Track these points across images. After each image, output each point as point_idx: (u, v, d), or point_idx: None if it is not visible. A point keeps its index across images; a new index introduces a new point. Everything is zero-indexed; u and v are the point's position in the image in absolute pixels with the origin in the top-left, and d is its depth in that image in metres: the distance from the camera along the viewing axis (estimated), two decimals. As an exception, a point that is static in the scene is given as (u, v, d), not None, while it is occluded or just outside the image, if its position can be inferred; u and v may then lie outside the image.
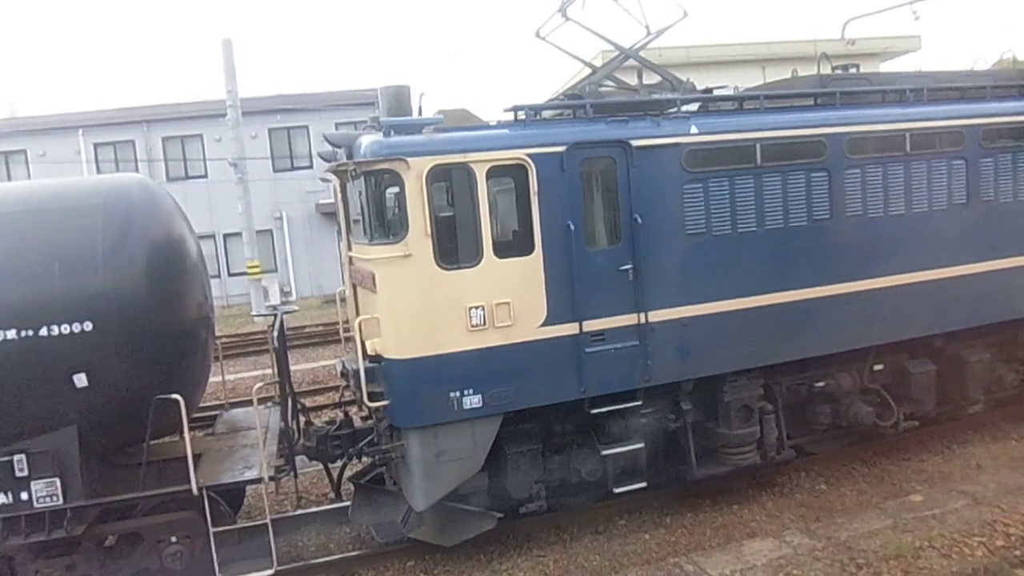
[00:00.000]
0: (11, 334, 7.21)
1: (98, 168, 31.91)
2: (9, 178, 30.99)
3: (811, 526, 8.08)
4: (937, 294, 9.17)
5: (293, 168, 33.36)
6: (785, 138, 8.44)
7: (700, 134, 8.08)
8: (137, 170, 29.44)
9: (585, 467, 8.14)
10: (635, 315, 7.84)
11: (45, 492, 7.37)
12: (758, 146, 8.28)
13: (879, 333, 9.01)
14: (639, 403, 8.03)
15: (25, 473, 7.36)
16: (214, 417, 10.54)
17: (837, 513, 8.51)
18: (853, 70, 10.35)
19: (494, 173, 7.42)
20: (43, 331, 7.26)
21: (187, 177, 32.38)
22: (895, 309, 8.99)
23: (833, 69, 10.23)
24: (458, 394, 7.34)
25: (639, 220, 7.79)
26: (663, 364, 7.98)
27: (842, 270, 8.71)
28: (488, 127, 7.82)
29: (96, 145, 32.33)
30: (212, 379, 9.60)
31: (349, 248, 8.70)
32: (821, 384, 9.07)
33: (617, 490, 8.17)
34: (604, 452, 8.01)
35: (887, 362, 9.43)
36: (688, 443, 8.55)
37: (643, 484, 8.20)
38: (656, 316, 7.89)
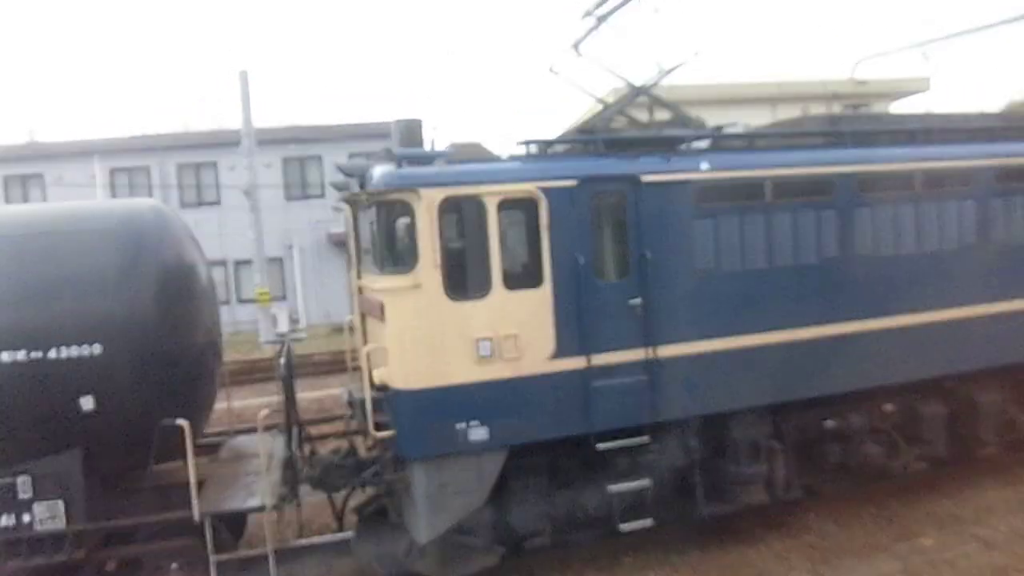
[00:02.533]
0: (20, 355, 7.26)
1: (113, 193, 32.26)
2: (26, 201, 31.37)
3: (820, 568, 7.97)
4: (948, 335, 9.11)
5: (305, 197, 33.63)
6: (795, 176, 8.47)
7: (710, 171, 8.12)
8: (151, 196, 29.74)
9: (591, 503, 8.05)
10: (643, 350, 7.82)
11: (47, 515, 7.35)
12: (768, 183, 8.32)
13: (889, 373, 8.94)
14: (646, 439, 7.97)
15: (28, 495, 7.36)
16: (219, 443, 10.51)
17: (846, 555, 8.38)
18: (863, 110, 10.40)
19: (505, 206, 7.46)
20: (52, 353, 7.30)
21: (200, 204, 32.68)
22: (905, 349, 8.93)
23: (843, 108, 10.30)
24: (464, 426, 7.31)
25: (648, 255, 7.80)
26: (671, 400, 7.93)
27: (851, 309, 8.68)
28: (500, 160, 7.89)
29: (112, 170, 32.71)
30: (218, 405, 9.60)
31: (359, 277, 8.74)
32: (830, 423, 8.99)
33: (623, 527, 8.07)
34: (610, 488, 7.93)
35: (898, 402, 9.35)
36: (695, 480, 8.47)
37: (649, 522, 8.10)
38: (665, 351, 7.87)
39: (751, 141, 8.89)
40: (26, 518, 7.35)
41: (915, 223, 9.01)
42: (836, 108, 10.20)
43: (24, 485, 7.35)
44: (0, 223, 8.16)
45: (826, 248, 8.58)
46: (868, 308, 8.76)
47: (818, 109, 10.45)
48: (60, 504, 7.36)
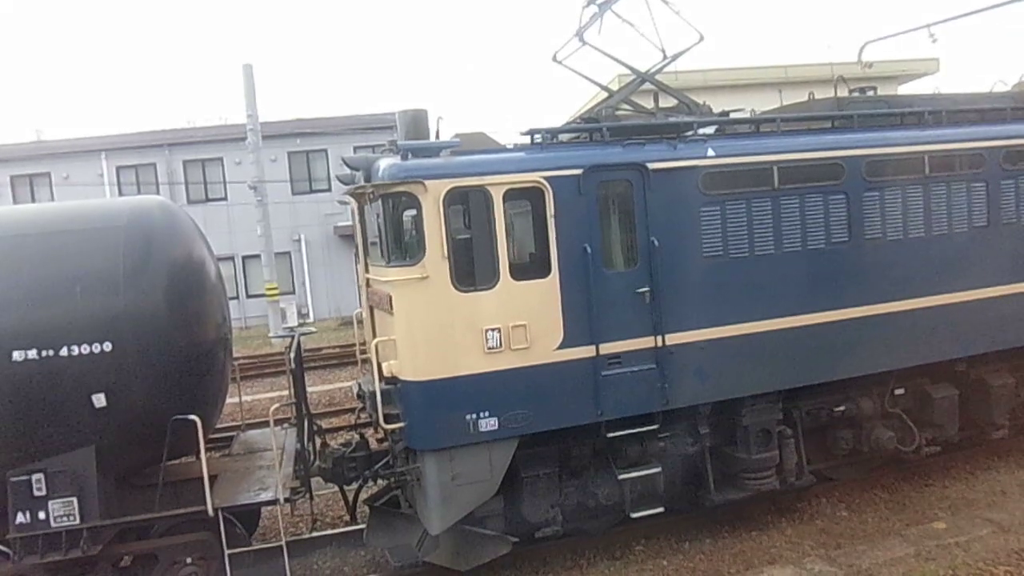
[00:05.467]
0: (32, 354, 7.30)
1: (120, 191, 32.37)
2: (34, 200, 31.49)
3: (832, 553, 7.95)
4: (959, 317, 9.06)
5: (312, 191, 33.67)
6: (803, 161, 8.41)
7: (717, 157, 8.07)
8: (159, 193, 29.82)
9: (602, 491, 8.06)
10: (652, 338, 7.80)
11: (62, 512, 7.41)
12: (775, 169, 8.27)
13: (900, 357, 8.90)
14: (656, 427, 7.96)
15: (43, 492, 7.41)
16: (231, 438, 10.57)
17: (858, 540, 8.37)
18: (870, 93, 10.30)
19: (511, 196, 7.44)
20: (63, 351, 7.34)
21: (207, 200, 32.76)
22: (916, 333, 8.89)
23: (850, 92, 10.20)
24: (474, 416, 7.31)
25: (656, 243, 7.78)
26: (680, 387, 7.92)
27: (861, 293, 8.64)
28: (505, 150, 7.87)
29: (118, 168, 32.82)
30: (229, 400, 9.65)
31: (367, 270, 8.75)
32: (841, 408, 8.97)
33: (634, 515, 8.08)
34: (621, 476, 7.93)
35: (908, 386, 9.31)
36: (706, 467, 8.46)
37: (661, 509, 8.11)
38: (673, 339, 7.85)
39: (758, 126, 8.83)
40: (41, 515, 7.40)
41: (925, 206, 8.94)
42: (843, 91, 10.08)
43: (39, 482, 7.41)
44: (8, 223, 8.20)
45: (835, 233, 8.52)
46: (878, 292, 8.71)
47: (825, 93, 10.35)
48: (74, 501, 7.41)
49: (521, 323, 7.38)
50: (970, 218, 9.18)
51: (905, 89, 30.06)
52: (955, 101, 9.75)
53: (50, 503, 7.41)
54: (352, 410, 13.58)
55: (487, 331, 7.31)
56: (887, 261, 8.76)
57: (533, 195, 7.51)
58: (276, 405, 8.62)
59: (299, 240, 33.65)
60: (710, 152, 8.07)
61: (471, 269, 7.34)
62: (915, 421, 9.33)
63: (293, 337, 9.06)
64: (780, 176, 8.28)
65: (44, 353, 7.31)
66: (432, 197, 7.12)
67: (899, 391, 9.25)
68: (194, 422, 7.52)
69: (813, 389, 8.72)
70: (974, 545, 7.65)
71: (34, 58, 78.93)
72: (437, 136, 7.93)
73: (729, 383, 8.17)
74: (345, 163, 8.32)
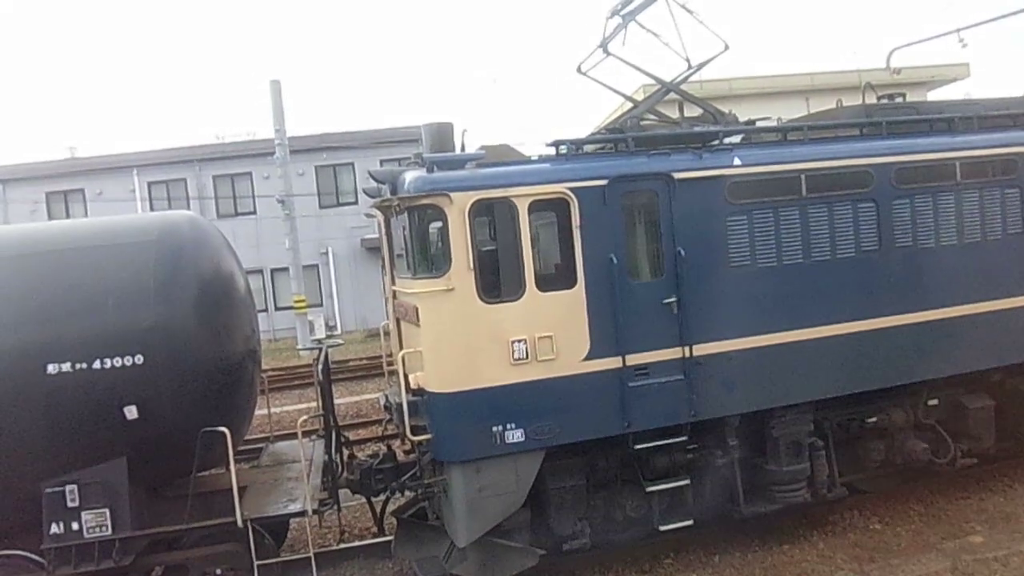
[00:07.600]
0: (66, 367, 7.43)
1: (151, 206, 32.91)
2: (68, 215, 32.14)
3: (865, 567, 7.82)
4: (993, 326, 8.89)
5: (339, 204, 33.98)
6: (830, 169, 8.33)
7: (743, 166, 8.02)
8: (188, 207, 30.26)
9: (629, 503, 8.00)
10: (679, 349, 7.74)
11: (95, 523, 7.51)
12: (803, 177, 8.19)
13: (933, 367, 8.74)
14: (684, 438, 7.89)
15: (76, 504, 7.52)
16: (259, 450, 10.66)
17: (893, 554, 8.21)
18: (899, 99, 10.18)
19: (536, 207, 7.45)
20: (96, 364, 7.46)
21: (236, 214, 33.21)
22: (949, 342, 8.72)
23: (878, 99, 10.09)
24: (501, 428, 7.30)
25: (682, 253, 7.73)
26: (708, 399, 7.84)
27: (892, 302, 8.51)
28: (530, 162, 7.87)
29: (150, 184, 33.41)
30: (258, 412, 9.72)
31: (393, 282, 8.79)
32: (873, 420, 8.82)
33: (663, 527, 8.00)
34: (649, 488, 7.87)
35: (942, 397, 9.14)
36: (736, 480, 8.36)
37: (690, 522, 8.02)
38: (701, 350, 7.79)
39: (785, 135, 8.76)
40: (75, 526, 7.51)
41: (957, 213, 8.80)
42: (871, 98, 10.00)
43: (72, 494, 7.52)
44: (44, 238, 8.38)
45: (864, 241, 8.42)
46: (909, 301, 8.57)
47: (853, 100, 10.27)
48: (106, 512, 7.51)
49: (547, 334, 7.37)
50: (1004, 225, 9.02)
51: (935, 95, 29.67)
52: (986, 106, 9.60)
53: (83, 514, 7.52)
54: (379, 422, 13.62)
55: (513, 342, 7.30)
56: (918, 269, 8.63)
57: (558, 206, 7.51)
58: (304, 417, 8.67)
59: (326, 253, 33.95)
60: (736, 161, 8.02)
61: (497, 280, 7.35)
62: (950, 432, 9.15)
63: (321, 349, 9.13)
64: (808, 185, 8.20)
65: (78, 366, 7.44)
66: (458, 209, 7.15)
67: (932, 401, 9.09)
68: (223, 434, 7.59)
69: (844, 400, 8.59)
70: (1013, 560, 7.49)
71: (68, 78, 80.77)
72: (462, 148, 7.96)
73: (758, 394, 8.08)
74: (371, 176, 8.39)
